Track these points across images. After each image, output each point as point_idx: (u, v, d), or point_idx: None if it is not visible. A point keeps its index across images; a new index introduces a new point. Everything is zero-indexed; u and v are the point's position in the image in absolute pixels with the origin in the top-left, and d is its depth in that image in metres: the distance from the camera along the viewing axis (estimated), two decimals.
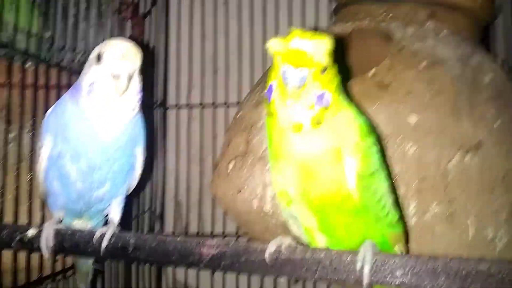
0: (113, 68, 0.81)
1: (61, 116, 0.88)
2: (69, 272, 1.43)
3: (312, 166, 0.72)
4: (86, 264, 1.15)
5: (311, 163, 0.72)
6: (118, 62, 0.81)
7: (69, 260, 1.39)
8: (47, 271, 1.31)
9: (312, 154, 0.72)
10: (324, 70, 0.69)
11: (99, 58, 0.82)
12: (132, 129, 0.89)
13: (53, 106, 0.93)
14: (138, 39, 1.91)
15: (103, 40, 1.69)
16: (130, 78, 0.82)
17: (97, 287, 1.69)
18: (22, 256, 1.18)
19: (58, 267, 1.38)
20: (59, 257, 1.37)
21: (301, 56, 0.67)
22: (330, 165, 0.72)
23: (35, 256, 1.20)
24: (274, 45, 0.68)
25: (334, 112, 0.71)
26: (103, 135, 0.86)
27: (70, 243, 0.88)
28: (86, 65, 0.87)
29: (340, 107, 0.72)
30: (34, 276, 1.25)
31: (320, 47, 0.67)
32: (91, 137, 0.86)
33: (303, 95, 0.68)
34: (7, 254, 1.15)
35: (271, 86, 0.71)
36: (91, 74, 0.83)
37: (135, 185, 1.01)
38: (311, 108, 0.69)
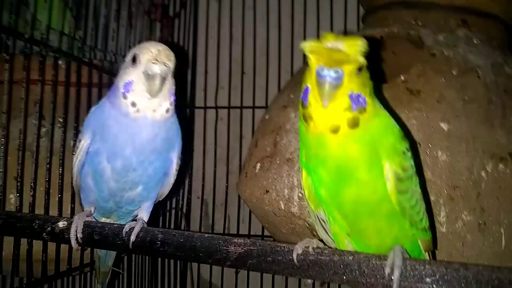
0: (147, 69, 0.82)
1: (100, 116, 0.90)
2: None
3: (349, 169, 0.72)
4: (105, 265, 1.16)
5: (347, 166, 0.72)
6: (152, 63, 0.82)
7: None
8: (75, 262, 1.33)
9: (349, 156, 0.71)
10: (359, 70, 0.68)
11: (134, 60, 0.85)
12: (167, 131, 0.90)
13: (96, 105, 0.95)
14: (167, 41, 1.94)
15: (134, 40, 1.74)
16: (164, 79, 0.83)
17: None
18: (52, 247, 1.20)
19: (87, 259, 1.40)
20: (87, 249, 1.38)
21: (336, 55, 0.66)
22: (367, 168, 0.71)
23: (64, 248, 1.22)
24: (308, 45, 0.68)
25: (370, 116, 0.70)
26: (138, 135, 0.87)
27: (99, 236, 0.88)
28: (122, 67, 0.89)
29: (375, 111, 0.72)
30: (63, 267, 1.27)
31: (354, 46, 0.67)
32: (127, 137, 0.87)
33: (339, 96, 0.67)
34: (37, 245, 1.17)
35: (306, 89, 0.70)
36: (127, 75, 0.85)
37: (167, 192, 1.02)
38: (348, 110, 0.68)
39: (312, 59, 0.68)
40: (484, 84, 1.07)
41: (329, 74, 0.66)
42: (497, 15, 1.25)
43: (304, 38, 1.86)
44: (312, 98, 0.69)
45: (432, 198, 0.95)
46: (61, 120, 1.32)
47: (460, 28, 1.21)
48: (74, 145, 1.08)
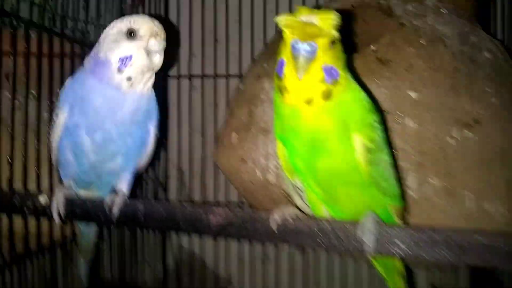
0: (151, 46, 0.85)
1: (80, 89, 0.90)
2: None
3: (321, 140, 0.75)
4: (88, 241, 1.17)
5: (320, 136, 0.74)
6: (155, 40, 0.85)
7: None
8: (57, 236, 1.34)
9: (322, 127, 0.74)
10: (332, 43, 0.71)
11: (131, 34, 0.86)
12: (148, 103, 0.92)
13: (71, 77, 0.95)
14: (138, 8, 1.90)
15: (104, 8, 1.71)
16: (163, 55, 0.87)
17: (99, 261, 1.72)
18: (32, 222, 1.20)
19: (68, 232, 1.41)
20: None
21: (310, 29, 0.69)
22: (339, 139, 0.74)
23: (45, 222, 1.23)
24: (283, 19, 0.70)
25: (342, 88, 0.73)
26: (123, 109, 0.88)
27: (81, 210, 0.90)
28: (110, 38, 0.88)
29: (347, 84, 0.75)
30: (45, 241, 1.28)
31: (327, 20, 0.70)
32: (109, 110, 0.88)
33: (313, 69, 0.70)
34: (18, 220, 1.17)
35: (281, 61, 0.72)
36: (122, 49, 0.86)
37: (146, 162, 1.03)
38: (322, 82, 0.71)
39: (287, 33, 0.70)
40: (450, 53, 1.10)
41: (304, 47, 0.68)
42: None
43: (276, 5, 1.85)
44: (287, 70, 0.71)
45: (401, 164, 0.99)
46: (33, 92, 1.30)
47: None
48: (50, 118, 1.08)
